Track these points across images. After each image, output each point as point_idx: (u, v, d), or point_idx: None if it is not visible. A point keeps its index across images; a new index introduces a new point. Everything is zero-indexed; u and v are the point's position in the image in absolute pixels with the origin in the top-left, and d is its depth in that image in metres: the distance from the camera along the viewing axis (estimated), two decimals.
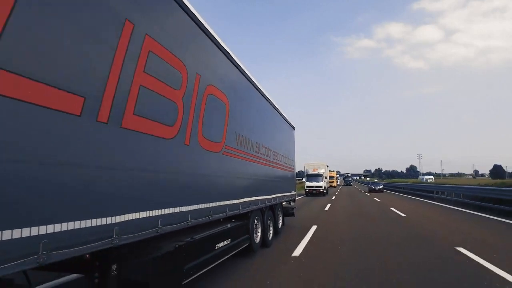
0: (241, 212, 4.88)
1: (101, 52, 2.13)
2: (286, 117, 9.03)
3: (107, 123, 2.16)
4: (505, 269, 4.57)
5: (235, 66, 4.86)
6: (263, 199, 6.15)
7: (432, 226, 9.06)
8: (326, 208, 15.02)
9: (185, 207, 3.17)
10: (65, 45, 1.85)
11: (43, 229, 1.67)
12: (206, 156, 3.76)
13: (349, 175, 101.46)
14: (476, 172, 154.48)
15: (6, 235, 1.49)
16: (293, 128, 10.24)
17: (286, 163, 8.78)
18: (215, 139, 4.01)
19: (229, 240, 4.49)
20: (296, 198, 11.52)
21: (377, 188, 32.74)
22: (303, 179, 29.56)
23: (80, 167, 1.94)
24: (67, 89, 1.84)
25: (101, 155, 2.12)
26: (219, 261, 4.07)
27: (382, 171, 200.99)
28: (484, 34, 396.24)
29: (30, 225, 1.60)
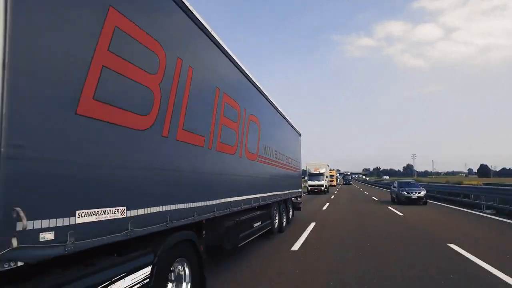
0: (267, 202, 6.66)
1: (209, 109, 3.88)
2: (295, 126, 10.78)
3: (211, 149, 3.92)
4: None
5: (263, 95, 6.61)
6: (279, 194, 7.92)
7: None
8: (307, 232, 9.62)
9: (241, 197, 4.95)
10: (198, 110, 3.61)
11: (199, 204, 3.44)
12: (249, 164, 5.52)
13: (349, 173, 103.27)
14: (470, 170, 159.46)
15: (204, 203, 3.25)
16: (300, 134, 12.00)
17: (294, 165, 10.56)
18: (253, 151, 5.77)
19: (260, 222, 6.27)
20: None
21: (414, 196, 16.19)
22: (305, 178, 31.20)
23: (207, 174, 3.75)
24: (201, 134, 3.60)
25: (212, 167, 3.91)
26: (255, 236, 5.85)
27: (381, 169, 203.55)
28: (485, 33, 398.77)
29: (192, 201, 3.33)
